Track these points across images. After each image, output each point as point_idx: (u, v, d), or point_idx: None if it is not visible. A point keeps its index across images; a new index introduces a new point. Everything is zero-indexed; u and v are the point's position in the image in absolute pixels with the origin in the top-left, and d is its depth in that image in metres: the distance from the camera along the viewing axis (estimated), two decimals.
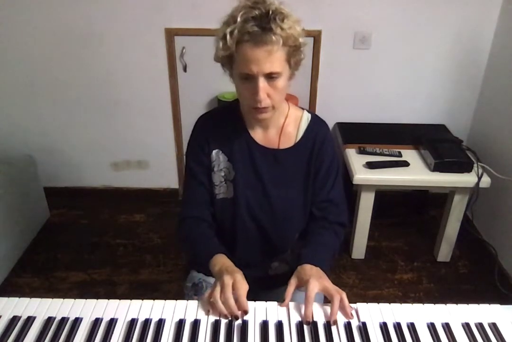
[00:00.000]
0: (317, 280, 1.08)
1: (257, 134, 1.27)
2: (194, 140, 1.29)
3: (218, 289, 1.04)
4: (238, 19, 1.04)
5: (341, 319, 1.04)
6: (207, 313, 1.04)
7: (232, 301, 1.01)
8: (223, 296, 1.02)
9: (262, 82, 1.08)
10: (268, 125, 1.26)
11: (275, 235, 1.31)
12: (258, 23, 1.03)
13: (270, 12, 1.04)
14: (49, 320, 1.01)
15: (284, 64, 1.09)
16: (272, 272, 1.36)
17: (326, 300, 1.10)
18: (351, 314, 1.04)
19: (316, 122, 1.30)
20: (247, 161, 1.26)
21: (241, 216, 1.28)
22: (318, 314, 1.05)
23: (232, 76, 1.16)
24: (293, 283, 1.11)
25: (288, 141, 1.27)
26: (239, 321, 1.02)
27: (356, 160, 2.19)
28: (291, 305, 1.08)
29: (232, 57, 1.09)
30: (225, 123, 1.27)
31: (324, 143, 1.27)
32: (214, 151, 1.26)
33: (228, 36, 1.05)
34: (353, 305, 1.07)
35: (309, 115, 1.30)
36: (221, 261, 1.14)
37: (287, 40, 1.06)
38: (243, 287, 1.04)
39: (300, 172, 1.28)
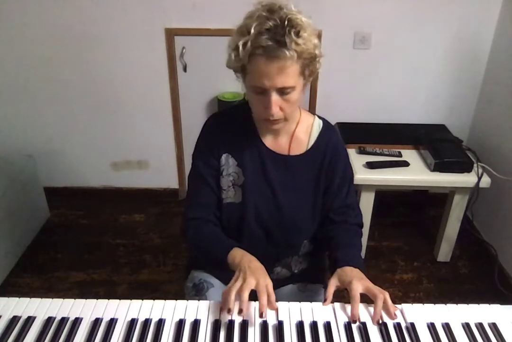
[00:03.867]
0: (359, 281, 1.07)
1: (268, 140, 1.25)
2: (203, 141, 1.28)
3: (237, 286, 1.02)
4: (252, 31, 1.00)
5: (342, 319, 1.04)
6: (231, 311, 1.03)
7: (245, 303, 1.00)
8: (241, 294, 1.01)
9: (274, 96, 1.06)
10: (279, 132, 1.24)
11: (282, 241, 1.30)
12: (272, 36, 1.00)
13: (286, 23, 1.00)
14: (49, 320, 1.01)
15: (298, 78, 1.07)
16: (274, 276, 1.35)
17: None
18: (395, 314, 1.04)
19: (328, 129, 1.28)
20: (258, 166, 1.25)
21: (248, 220, 1.26)
22: (319, 313, 1.05)
23: (245, 85, 1.14)
24: (333, 283, 1.11)
25: (299, 148, 1.26)
26: (239, 321, 1.02)
27: (356, 160, 2.19)
28: (291, 305, 1.08)
29: (245, 68, 1.07)
30: (236, 126, 1.25)
31: (336, 150, 1.27)
32: (223, 156, 1.25)
33: (240, 48, 1.02)
34: (397, 305, 1.07)
35: (320, 121, 1.28)
36: (240, 253, 1.13)
37: (302, 54, 1.03)
38: (265, 291, 1.02)
39: (311, 179, 1.27)
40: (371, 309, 1.06)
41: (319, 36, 2.38)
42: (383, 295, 1.04)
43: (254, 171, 1.25)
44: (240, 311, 0.99)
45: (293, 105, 1.12)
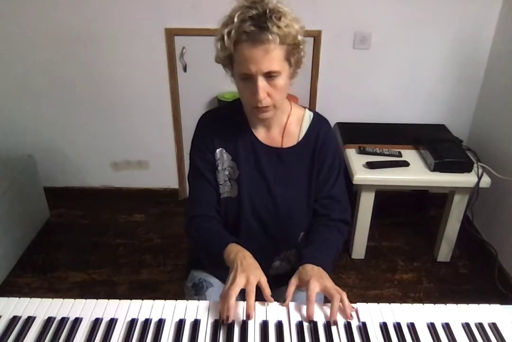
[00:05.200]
0: (317, 280, 1.07)
1: (261, 134, 1.27)
2: (198, 138, 1.29)
3: (226, 289, 1.03)
4: (235, 20, 1.05)
5: (341, 319, 1.04)
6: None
7: (231, 304, 0.99)
8: (227, 299, 1.00)
9: (261, 81, 1.08)
10: (271, 125, 1.26)
11: (279, 234, 1.31)
12: (255, 23, 1.04)
13: (267, 11, 1.04)
14: (49, 320, 1.01)
15: (283, 63, 1.10)
16: (273, 271, 1.36)
17: (327, 299, 1.10)
18: (351, 315, 1.04)
19: (318, 120, 1.30)
20: (252, 160, 1.26)
21: (245, 214, 1.28)
22: (318, 314, 1.05)
23: (233, 77, 1.17)
24: (293, 283, 1.11)
25: (291, 140, 1.27)
26: (240, 321, 1.02)
27: (356, 160, 2.19)
28: (291, 305, 1.08)
29: (232, 57, 1.10)
30: (229, 122, 1.27)
31: (326, 140, 1.28)
32: (218, 150, 1.26)
33: (225, 37, 1.06)
34: (353, 305, 1.07)
35: (311, 113, 1.31)
36: (235, 249, 1.13)
37: (285, 38, 1.06)
38: (253, 291, 1.02)
39: (304, 170, 1.28)
40: (369, 307, 1.06)
41: (319, 36, 2.39)
42: (340, 295, 1.04)
43: (248, 165, 1.26)
44: (227, 318, 0.99)
45: (280, 92, 1.13)
